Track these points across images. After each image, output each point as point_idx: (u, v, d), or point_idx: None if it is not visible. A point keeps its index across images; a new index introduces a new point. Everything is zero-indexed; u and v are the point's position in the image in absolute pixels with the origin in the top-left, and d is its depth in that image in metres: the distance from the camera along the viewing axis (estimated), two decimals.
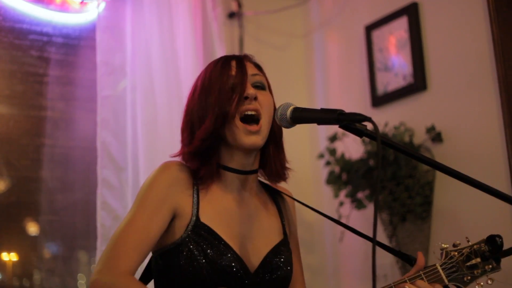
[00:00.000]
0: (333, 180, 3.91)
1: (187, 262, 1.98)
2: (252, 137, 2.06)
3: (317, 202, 4.27)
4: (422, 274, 2.05)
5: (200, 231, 2.01)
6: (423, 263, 2.09)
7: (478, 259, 2.07)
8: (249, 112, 2.06)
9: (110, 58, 3.72)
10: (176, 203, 2.04)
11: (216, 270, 1.97)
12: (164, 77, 3.77)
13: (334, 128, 3.91)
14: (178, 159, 2.16)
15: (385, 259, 3.81)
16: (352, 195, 3.83)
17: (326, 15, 4.61)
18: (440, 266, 2.07)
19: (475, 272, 2.07)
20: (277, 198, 2.32)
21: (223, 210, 2.10)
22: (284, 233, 2.24)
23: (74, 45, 3.91)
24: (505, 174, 3.35)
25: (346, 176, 3.87)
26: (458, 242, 2.11)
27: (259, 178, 2.27)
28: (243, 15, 4.46)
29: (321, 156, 4.04)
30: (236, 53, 4.30)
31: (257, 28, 4.57)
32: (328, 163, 3.97)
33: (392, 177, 3.61)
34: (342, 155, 3.90)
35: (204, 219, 2.04)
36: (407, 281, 2.03)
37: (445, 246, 2.11)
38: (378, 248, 1.53)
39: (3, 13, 3.71)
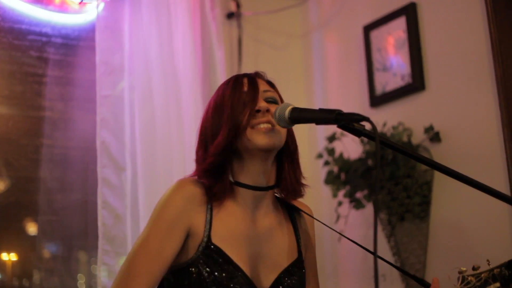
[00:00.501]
0: (332, 180, 3.91)
1: (195, 284, 1.98)
2: (267, 136, 2.04)
3: (315, 202, 4.27)
4: None
5: (211, 253, 2.00)
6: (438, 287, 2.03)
7: (497, 284, 1.97)
8: (262, 125, 2.04)
9: (109, 58, 3.72)
10: (190, 223, 2.02)
11: None
12: (162, 77, 3.77)
13: (333, 128, 3.92)
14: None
15: None
16: (350, 195, 3.84)
17: (325, 15, 4.62)
18: None
19: None
20: (294, 214, 2.29)
21: (235, 230, 2.08)
22: (299, 252, 2.22)
23: (73, 46, 3.91)
24: (503, 174, 3.35)
25: (344, 176, 3.87)
26: (478, 265, 2.01)
27: (276, 194, 2.24)
28: (241, 15, 4.47)
29: (319, 156, 4.04)
30: (235, 53, 4.34)
31: (255, 28, 4.57)
32: (326, 163, 3.97)
33: (391, 177, 3.61)
34: (341, 155, 3.91)
35: (215, 240, 2.02)
36: None
37: (464, 269, 2.00)
38: (377, 248, 1.53)
39: (2, 13, 3.71)
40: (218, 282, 1.97)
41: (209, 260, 1.99)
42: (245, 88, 2.10)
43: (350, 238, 2.28)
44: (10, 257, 3.64)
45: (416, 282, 2.18)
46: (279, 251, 2.15)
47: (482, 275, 1.98)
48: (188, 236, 2.03)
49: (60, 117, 3.83)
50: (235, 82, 2.14)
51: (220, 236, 2.03)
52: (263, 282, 2.06)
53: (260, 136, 2.04)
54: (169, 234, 1.99)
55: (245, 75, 2.18)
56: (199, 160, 2.13)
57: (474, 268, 2.00)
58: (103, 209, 3.52)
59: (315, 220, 2.34)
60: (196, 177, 2.11)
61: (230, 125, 2.03)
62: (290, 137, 2.18)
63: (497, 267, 1.98)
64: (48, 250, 3.76)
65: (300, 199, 2.27)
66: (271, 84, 2.20)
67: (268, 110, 2.06)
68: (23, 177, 3.73)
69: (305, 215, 2.32)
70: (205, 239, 2.01)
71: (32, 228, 3.71)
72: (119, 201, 3.58)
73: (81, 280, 3.77)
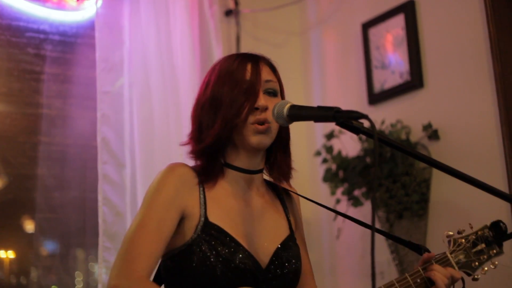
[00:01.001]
0: (330, 178, 3.92)
1: (200, 263, 1.97)
2: (259, 136, 2.05)
3: (313, 199, 4.26)
4: (434, 262, 2.07)
5: (210, 231, 2.00)
6: (432, 255, 2.10)
7: (483, 245, 2.12)
8: (259, 126, 2.05)
9: (109, 55, 3.72)
10: (184, 205, 2.03)
11: (229, 268, 1.97)
12: (161, 74, 3.77)
13: (331, 126, 3.92)
14: (186, 150, 2.16)
15: (382, 256, 3.82)
16: (348, 193, 3.83)
17: (323, 12, 4.61)
18: (450, 254, 2.11)
19: (481, 257, 2.11)
20: (281, 195, 2.31)
21: (230, 209, 2.09)
22: (291, 229, 2.24)
23: (71, 43, 3.91)
24: (501, 172, 3.35)
25: (342, 174, 3.87)
26: (462, 229, 2.15)
27: (264, 177, 2.26)
28: (240, 13, 4.46)
29: (318, 153, 4.04)
30: (233, 50, 4.33)
31: (254, 26, 4.57)
32: (325, 161, 3.97)
33: (389, 174, 3.61)
34: (339, 153, 3.91)
35: (212, 218, 2.03)
36: (420, 270, 2.05)
37: (451, 233, 2.14)
38: (375, 245, 1.53)
39: (0, 10, 3.71)
40: (222, 258, 1.97)
41: (210, 238, 1.99)
42: (247, 76, 2.09)
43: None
44: (7, 254, 3.64)
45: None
46: (273, 228, 2.17)
47: (470, 237, 2.14)
48: (183, 218, 2.03)
49: (58, 114, 3.83)
50: (239, 66, 2.12)
51: (216, 215, 2.04)
52: (262, 257, 2.07)
53: (254, 136, 2.05)
54: (165, 215, 1.99)
55: (249, 59, 2.15)
56: (193, 135, 2.14)
57: (459, 232, 2.14)
58: (103, 206, 3.52)
59: (300, 209, 2.37)
60: (189, 151, 2.14)
61: (227, 120, 2.04)
62: (284, 127, 2.19)
63: (480, 229, 2.14)
64: (45, 248, 3.76)
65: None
66: (273, 70, 2.19)
67: (266, 109, 2.07)
68: (21, 175, 3.72)
69: (292, 194, 2.35)
70: (203, 219, 2.02)
71: (29, 226, 3.71)
72: (119, 198, 3.58)
73: (79, 278, 3.76)
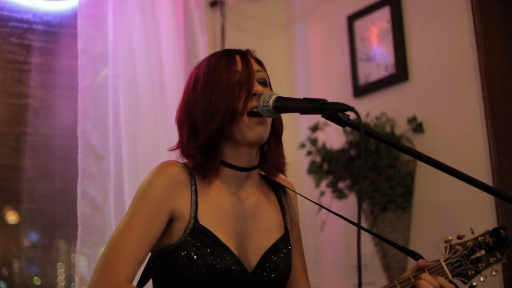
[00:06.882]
0: (314, 170, 3.92)
1: (185, 266, 1.95)
2: (259, 129, 2.03)
3: (298, 191, 4.27)
4: (426, 271, 2.02)
5: (199, 235, 1.98)
6: (427, 263, 2.05)
7: (482, 252, 2.07)
8: (256, 110, 2.02)
9: (91, 46, 3.69)
10: (174, 206, 2.00)
11: (215, 274, 1.96)
12: (147, 64, 3.74)
13: (316, 118, 3.92)
14: (176, 152, 2.13)
15: (365, 249, 3.83)
16: (333, 185, 3.84)
17: (308, 4, 4.61)
18: (444, 261, 2.06)
19: (479, 265, 2.06)
20: (278, 191, 2.29)
21: (222, 209, 2.07)
22: (285, 228, 2.22)
23: (55, 33, 3.88)
24: (485, 165, 3.37)
25: (327, 166, 3.87)
26: (462, 234, 2.09)
27: (260, 172, 2.25)
28: (225, 4, 4.45)
29: (302, 146, 4.04)
30: (218, 42, 4.32)
31: (239, 17, 4.55)
32: (309, 153, 3.97)
33: (373, 167, 3.62)
34: (324, 145, 3.91)
35: (202, 221, 2.00)
36: (411, 278, 2.01)
37: (449, 238, 2.09)
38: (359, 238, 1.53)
39: None
40: (208, 264, 1.95)
41: (198, 242, 1.97)
42: (239, 68, 2.07)
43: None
44: None
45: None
46: (266, 228, 2.15)
47: (468, 243, 2.07)
48: (172, 219, 2.01)
49: (42, 104, 3.80)
50: (227, 58, 2.10)
51: (207, 216, 2.02)
52: (251, 259, 2.06)
53: (255, 128, 2.03)
54: (153, 218, 1.96)
55: (237, 51, 2.14)
56: (187, 135, 2.09)
57: (459, 237, 2.08)
58: (82, 199, 3.49)
59: (297, 206, 2.36)
60: (180, 153, 2.11)
61: (226, 110, 2.00)
62: (278, 119, 2.18)
63: (481, 235, 2.08)
64: (28, 239, 3.74)
65: (282, 177, 2.28)
66: (260, 63, 2.18)
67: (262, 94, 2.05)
68: (4, 165, 3.69)
69: (289, 191, 2.33)
70: (192, 221, 1.99)
71: (12, 217, 3.69)
72: (98, 191, 3.55)
73: (61, 269, 3.75)
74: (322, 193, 3.89)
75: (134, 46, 3.74)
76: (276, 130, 2.18)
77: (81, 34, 3.65)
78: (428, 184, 3.62)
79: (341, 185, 3.82)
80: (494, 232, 2.08)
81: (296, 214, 2.34)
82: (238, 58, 2.10)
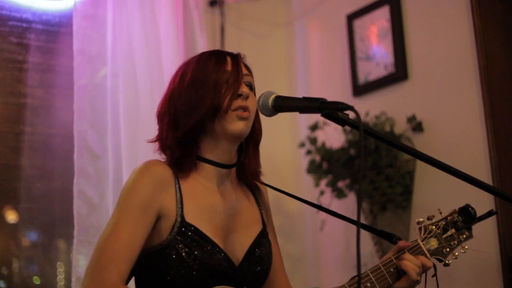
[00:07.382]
0: (314, 169, 3.92)
1: (177, 265, 1.95)
2: (240, 124, 2.05)
3: (297, 191, 4.26)
4: (406, 251, 2.10)
5: (187, 232, 1.99)
6: (406, 244, 2.13)
7: (453, 230, 2.16)
8: (241, 112, 2.05)
9: (88, 46, 3.67)
10: (160, 205, 2.00)
11: (205, 270, 1.96)
12: (146, 63, 3.73)
13: (315, 117, 3.92)
14: (156, 145, 2.14)
15: (365, 248, 3.83)
16: (332, 184, 3.84)
17: (308, 3, 4.60)
18: (421, 241, 2.13)
19: (452, 243, 2.15)
20: (252, 188, 2.32)
21: (206, 205, 2.08)
22: (263, 222, 2.25)
23: (54, 32, 3.87)
24: (485, 164, 3.36)
25: (326, 165, 3.87)
26: (432, 215, 2.18)
27: None
28: (224, 3, 4.44)
29: (302, 145, 4.04)
30: (218, 41, 4.32)
31: (238, 16, 4.55)
32: (309, 152, 3.97)
33: (373, 166, 3.62)
34: (323, 144, 3.91)
35: (189, 218, 2.01)
36: (393, 259, 2.09)
37: (421, 220, 2.18)
38: (360, 241, 1.53)
39: None
40: (199, 261, 1.96)
41: (186, 239, 1.97)
42: (229, 68, 2.09)
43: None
44: None
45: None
46: (248, 223, 2.19)
47: (440, 223, 2.17)
48: (159, 218, 2.00)
49: (41, 104, 3.80)
50: (218, 58, 2.12)
51: (193, 214, 2.03)
52: (237, 254, 2.08)
53: (236, 122, 2.05)
54: (140, 219, 1.95)
55: (228, 53, 2.17)
56: (167, 127, 2.11)
57: (429, 218, 2.18)
58: (78, 199, 3.48)
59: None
60: (159, 146, 2.13)
61: (210, 105, 2.02)
62: (258, 122, 2.21)
63: (449, 214, 2.19)
64: (27, 238, 3.74)
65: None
66: (248, 69, 2.20)
67: (248, 97, 2.07)
68: (3, 165, 3.69)
69: (259, 185, 2.35)
70: (179, 219, 2.00)
71: (11, 216, 3.68)
72: (94, 191, 3.55)
73: (61, 269, 3.75)
74: (322, 192, 3.89)
75: (133, 45, 3.73)
76: (255, 137, 2.21)
77: (76, 34, 3.63)
78: (427, 183, 3.62)
79: (340, 184, 3.82)
80: (461, 211, 2.18)
81: (269, 207, 2.37)
82: (228, 59, 2.13)
